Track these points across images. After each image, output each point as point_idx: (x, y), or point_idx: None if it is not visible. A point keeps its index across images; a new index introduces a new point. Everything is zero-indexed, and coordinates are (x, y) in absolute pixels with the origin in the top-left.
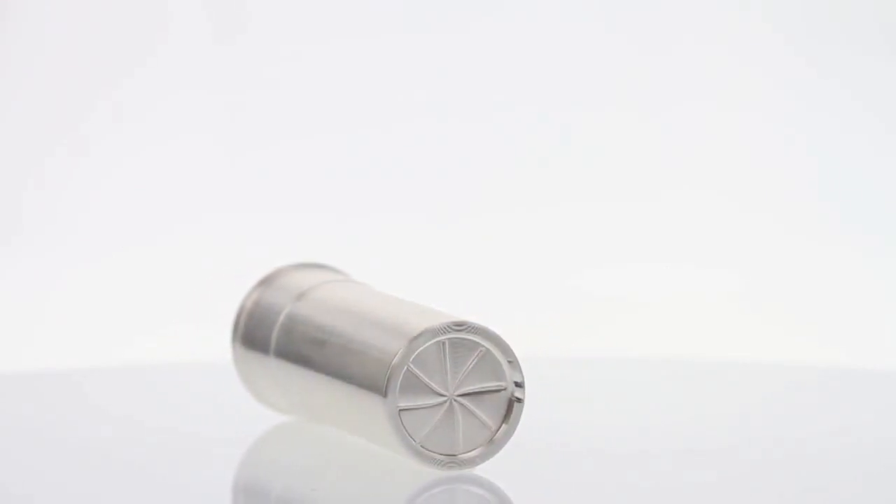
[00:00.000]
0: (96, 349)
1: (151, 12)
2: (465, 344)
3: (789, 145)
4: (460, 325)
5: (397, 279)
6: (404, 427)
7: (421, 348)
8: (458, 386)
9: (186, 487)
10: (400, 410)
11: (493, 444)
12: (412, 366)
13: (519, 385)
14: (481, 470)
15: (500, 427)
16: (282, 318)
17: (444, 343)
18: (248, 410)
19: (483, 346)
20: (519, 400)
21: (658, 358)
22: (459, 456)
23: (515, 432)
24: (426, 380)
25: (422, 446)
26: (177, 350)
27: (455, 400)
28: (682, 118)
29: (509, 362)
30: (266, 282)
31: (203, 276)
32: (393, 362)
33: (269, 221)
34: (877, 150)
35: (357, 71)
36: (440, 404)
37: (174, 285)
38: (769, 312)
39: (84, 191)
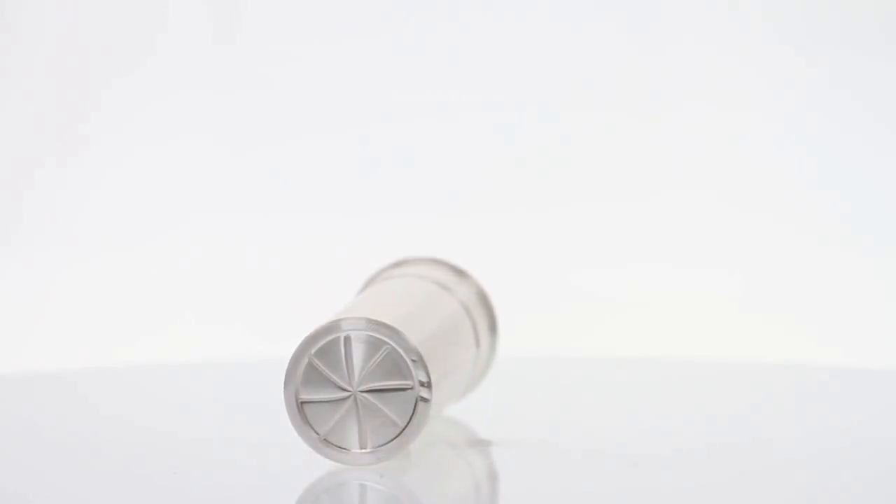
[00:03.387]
0: (95, 349)
1: (151, 12)
2: (370, 341)
3: (789, 145)
4: (361, 322)
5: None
6: (305, 419)
7: (321, 342)
8: (362, 382)
9: (186, 488)
10: (303, 403)
11: (397, 442)
12: (315, 359)
13: (424, 384)
14: (483, 466)
15: (406, 425)
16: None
17: (346, 338)
18: (249, 411)
19: (388, 343)
20: (424, 399)
21: (658, 358)
22: (364, 451)
23: (422, 431)
24: (329, 373)
25: (325, 439)
26: (176, 350)
27: (359, 396)
28: (682, 118)
29: (413, 361)
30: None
31: (202, 276)
32: (291, 354)
33: (268, 221)
34: (877, 150)
35: (357, 71)
36: (343, 399)
37: (174, 285)
38: (769, 312)
39: (83, 191)
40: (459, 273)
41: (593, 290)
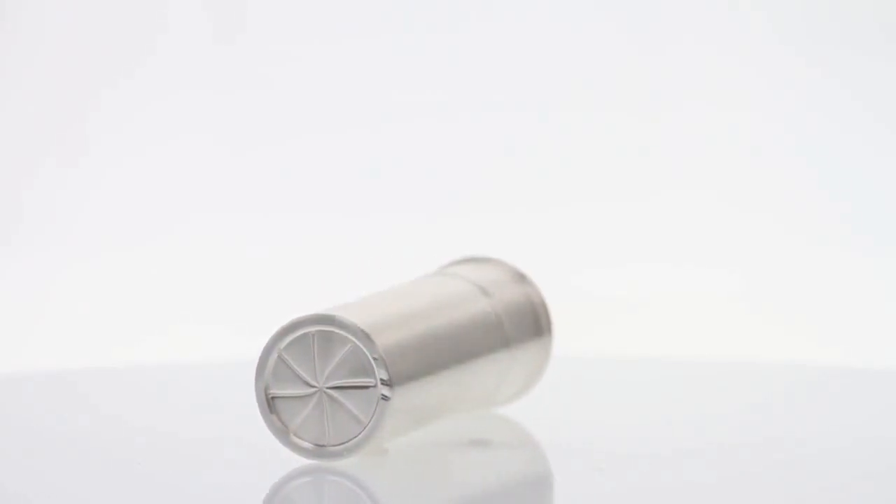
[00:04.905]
0: (95, 349)
1: (151, 12)
2: (335, 338)
3: (789, 145)
4: (325, 318)
5: (396, 279)
6: (276, 413)
7: (290, 338)
8: (328, 378)
9: (183, 489)
10: (273, 397)
11: (361, 439)
12: (284, 354)
13: (384, 383)
14: (480, 466)
15: (369, 422)
16: None
17: (312, 335)
18: (248, 410)
19: (351, 341)
20: (384, 397)
21: (658, 358)
22: (328, 447)
23: (382, 428)
24: (297, 369)
25: (294, 434)
26: (176, 350)
27: (325, 392)
28: (682, 118)
29: (374, 359)
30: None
31: (202, 276)
32: (262, 349)
33: (268, 221)
34: (877, 150)
35: (357, 71)
36: (311, 395)
37: (174, 285)
38: (769, 312)
39: (83, 191)
40: (517, 277)
41: (593, 290)
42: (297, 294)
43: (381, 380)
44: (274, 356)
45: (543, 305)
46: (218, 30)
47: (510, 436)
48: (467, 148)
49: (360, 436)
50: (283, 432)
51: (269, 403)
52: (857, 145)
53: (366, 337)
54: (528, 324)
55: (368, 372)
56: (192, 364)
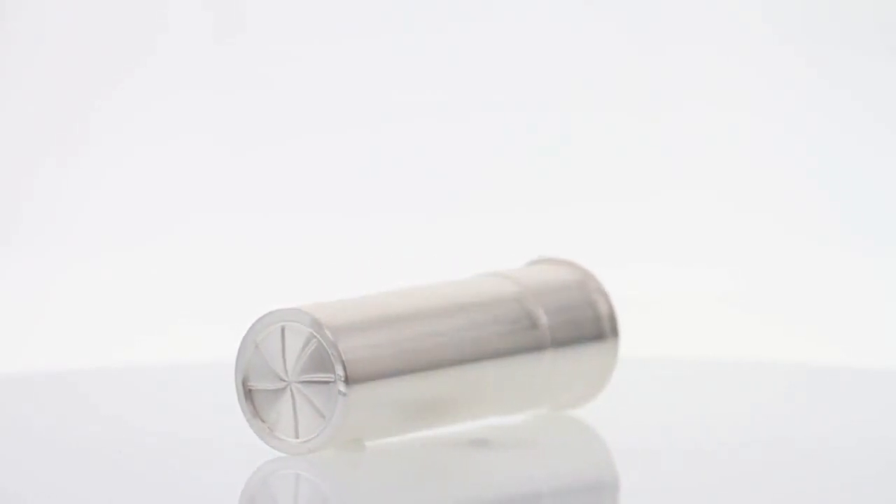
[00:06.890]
0: (95, 349)
1: (151, 12)
2: (301, 333)
3: (788, 145)
4: (294, 314)
5: (396, 279)
6: (253, 406)
7: (263, 332)
8: (298, 373)
9: (182, 488)
10: (251, 391)
11: (324, 434)
12: (261, 348)
13: (341, 379)
14: (477, 465)
15: (330, 417)
16: None
17: (282, 329)
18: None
19: (315, 336)
20: (341, 394)
21: (658, 358)
22: (297, 441)
23: (341, 423)
24: (270, 363)
25: (270, 427)
26: (176, 350)
27: (294, 386)
28: (682, 118)
29: (332, 355)
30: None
31: (202, 276)
32: (239, 343)
33: (268, 221)
34: (876, 150)
35: (357, 71)
36: (282, 388)
37: (174, 285)
38: (769, 312)
39: (83, 191)
40: (583, 282)
41: None
42: (298, 294)
43: (339, 376)
44: (250, 350)
45: (610, 312)
46: (218, 30)
47: (507, 435)
48: (467, 148)
49: (322, 431)
50: (258, 423)
51: (247, 395)
52: (857, 145)
53: (326, 334)
54: (585, 329)
55: (329, 368)
56: (192, 364)
